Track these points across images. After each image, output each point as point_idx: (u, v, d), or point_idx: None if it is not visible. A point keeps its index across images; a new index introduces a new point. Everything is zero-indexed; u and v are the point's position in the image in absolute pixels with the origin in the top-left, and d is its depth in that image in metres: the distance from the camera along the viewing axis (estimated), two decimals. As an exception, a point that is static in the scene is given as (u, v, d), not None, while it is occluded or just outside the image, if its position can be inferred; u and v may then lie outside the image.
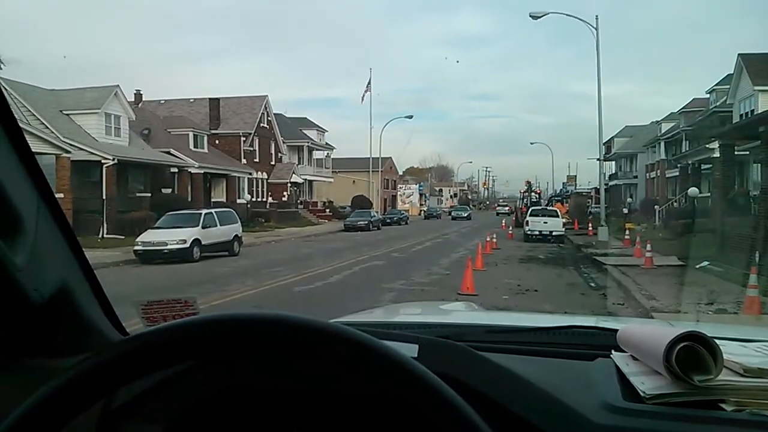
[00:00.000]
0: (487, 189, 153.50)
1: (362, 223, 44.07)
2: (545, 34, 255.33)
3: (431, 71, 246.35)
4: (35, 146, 22.75)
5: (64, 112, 31.87)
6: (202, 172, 39.03)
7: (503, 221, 49.30)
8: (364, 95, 62.13)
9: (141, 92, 47.06)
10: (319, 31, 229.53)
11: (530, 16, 31.79)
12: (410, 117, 67.79)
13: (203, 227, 22.46)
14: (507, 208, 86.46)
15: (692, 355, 1.08)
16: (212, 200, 39.80)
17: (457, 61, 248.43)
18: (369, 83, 62.82)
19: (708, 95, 43.59)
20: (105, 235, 27.78)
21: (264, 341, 0.85)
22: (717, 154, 25.96)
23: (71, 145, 27.41)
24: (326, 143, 65.99)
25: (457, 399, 0.80)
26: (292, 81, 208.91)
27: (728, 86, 35.07)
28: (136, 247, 21.12)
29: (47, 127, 28.18)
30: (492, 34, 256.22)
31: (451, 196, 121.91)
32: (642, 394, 1.12)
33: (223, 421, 1.17)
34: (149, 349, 0.86)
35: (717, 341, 1.10)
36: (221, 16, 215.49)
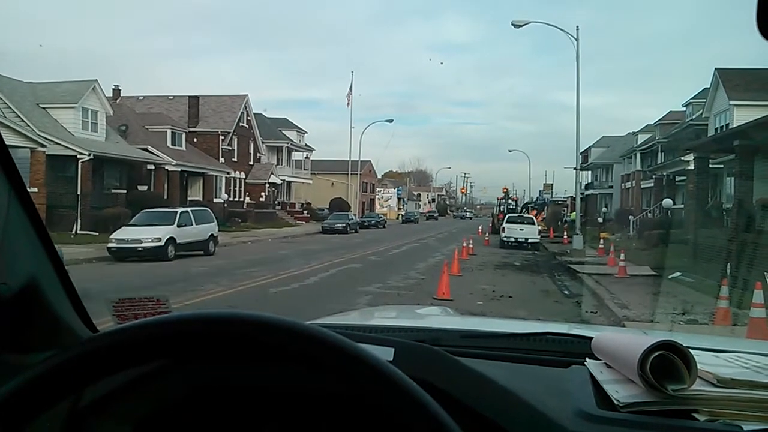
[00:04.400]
0: (465, 195, 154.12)
1: (340, 225, 44.01)
2: (527, 44, 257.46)
3: (413, 76, 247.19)
4: (10, 139, 22.43)
5: (41, 105, 31.42)
6: (179, 170, 38.73)
7: (480, 227, 49.52)
8: (349, 99, 62.21)
9: (119, 88, 46.69)
10: (301, 33, 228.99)
11: (512, 24, 31.97)
12: (390, 121, 68.37)
13: (179, 226, 22.29)
14: (469, 214, 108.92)
15: (666, 364, 1.09)
16: (189, 199, 39.49)
17: (441, 63, 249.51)
18: (351, 87, 62.99)
19: (684, 108, 44.12)
20: (79, 231, 27.44)
21: (237, 341, 0.84)
22: (692, 167, 26.29)
23: (47, 139, 27.10)
24: (306, 144, 65.83)
25: (432, 403, 0.79)
26: (272, 81, 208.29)
27: (704, 100, 35.50)
28: (110, 244, 20.91)
29: (23, 120, 27.81)
30: (475, 42, 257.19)
31: (429, 201, 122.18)
32: (616, 402, 1.12)
33: (194, 421, 1.16)
34: (118, 346, 0.85)
35: (690, 351, 1.10)
36: (204, 14, 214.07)
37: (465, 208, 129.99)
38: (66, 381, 0.84)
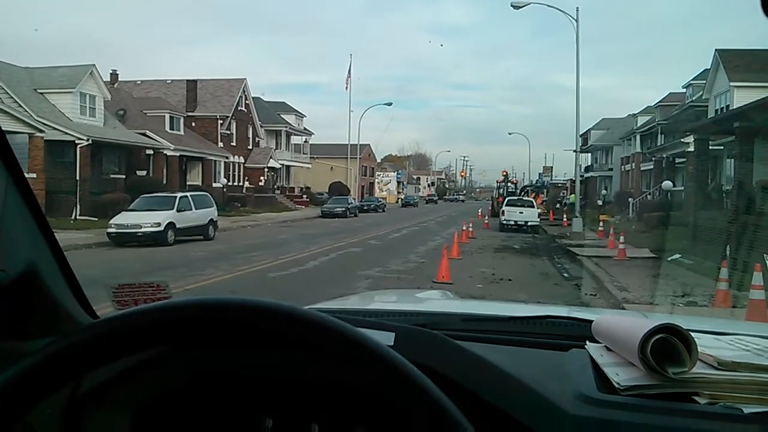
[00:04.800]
0: (465, 178, 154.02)
1: (339, 209, 43.98)
2: (527, 25, 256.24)
3: (412, 60, 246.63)
4: (8, 125, 22.35)
5: (39, 90, 31.28)
6: (178, 154, 38.64)
7: (479, 210, 49.55)
8: (348, 82, 61.95)
9: (117, 72, 46.43)
10: (299, 17, 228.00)
11: (512, 5, 31.79)
12: (389, 104, 68.41)
13: (178, 210, 22.28)
14: (461, 197, 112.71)
15: (667, 347, 1.09)
16: (188, 183, 39.48)
17: (441, 45, 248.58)
18: (350, 70, 62.72)
19: (684, 90, 43.98)
20: (78, 217, 27.44)
21: (236, 327, 0.83)
22: (691, 149, 26.24)
23: (45, 124, 26.98)
24: (305, 128, 65.69)
25: (433, 388, 0.79)
26: (271, 65, 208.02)
27: (704, 81, 35.38)
28: (110, 230, 20.89)
29: (21, 106, 27.66)
30: (474, 24, 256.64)
31: (428, 185, 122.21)
32: (616, 385, 1.12)
33: (194, 408, 1.16)
34: (118, 333, 0.84)
35: (691, 334, 1.10)
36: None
37: (462, 191, 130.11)
38: (66, 368, 0.84)
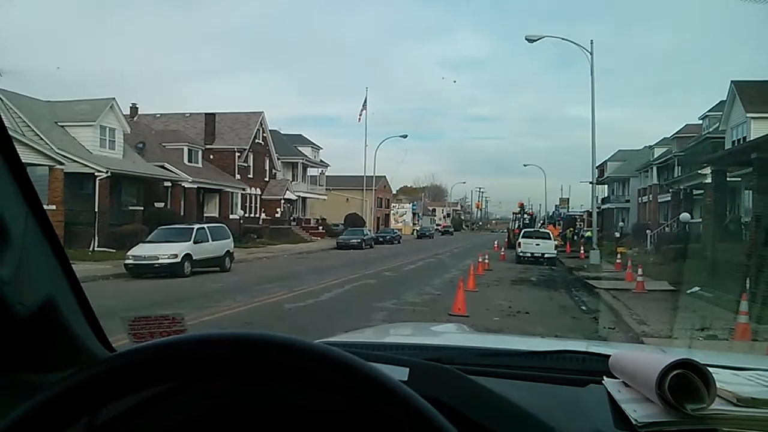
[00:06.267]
0: (480, 210, 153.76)
1: (355, 241, 44.01)
2: (542, 59, 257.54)
3: (427, 92, 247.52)
4: (29, 157, 22.70)
5: (59, 123, 31.81)
6: (196, 186, 39.00)
7: (495, 242, 49.37)
8: (361, 114, 62.29)
9: (137, 105, 47.14)
10: (316, 51, 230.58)
11: (526, 39, 31.98)
12: (405, 136, 67.99)
13: (195, 242, 22.40)
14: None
15: (685, 382, 1.07)
16: (205, 215, 39.75)
17: (455, 81, 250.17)
18: (365, 102, 63.09)
19: (701, 121, 43.86)
20: (96, 248, 27.66)
21: (251, 362, 0.84)
22: (709, 180, 26.14)
23: (65, 156, 27.34)
24: (321, 160, 66.07)
25: (447, 425, 0.79)
26: (288, 98, 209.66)
27: (721, 113, 35.31)
28: (127, 261, 21.02)
29: (42, 139, 28.13)
30: (489, 58, 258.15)
31: (444, 216, 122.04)
32: (634, 422, 1.11)
33: None
34: (135, 367, 0.85)
35: (710, 369, 1.09)
36: (221, 34, 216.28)
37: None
38: (83, 401, 0.84)
